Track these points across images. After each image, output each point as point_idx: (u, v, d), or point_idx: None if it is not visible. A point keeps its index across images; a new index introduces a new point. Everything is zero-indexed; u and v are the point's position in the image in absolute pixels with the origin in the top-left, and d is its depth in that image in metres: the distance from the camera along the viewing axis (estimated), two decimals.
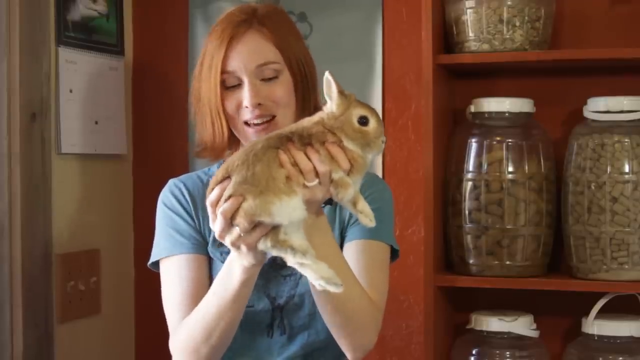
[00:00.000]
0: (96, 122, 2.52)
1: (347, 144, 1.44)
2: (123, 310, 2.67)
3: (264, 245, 1.42)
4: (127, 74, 2.67)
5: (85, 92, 2.47)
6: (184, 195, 1.73)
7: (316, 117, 1.47)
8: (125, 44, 2.65)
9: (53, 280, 2.35)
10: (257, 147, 1.44)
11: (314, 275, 1.42)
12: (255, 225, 1.40)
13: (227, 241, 1.43)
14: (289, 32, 1.70)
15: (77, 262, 2.45)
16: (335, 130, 1.44)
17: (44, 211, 2.31)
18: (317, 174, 1.41)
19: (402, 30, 2.49)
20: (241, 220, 1.39)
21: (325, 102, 1.49)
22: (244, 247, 1.43)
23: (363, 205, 1.44)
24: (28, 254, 2.25)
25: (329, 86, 1.46)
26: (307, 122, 1.47)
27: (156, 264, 1.72)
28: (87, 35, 2.49)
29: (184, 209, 1.72)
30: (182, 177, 1.77)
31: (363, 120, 1.45)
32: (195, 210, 1.71)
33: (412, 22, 2.46)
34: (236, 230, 1.41)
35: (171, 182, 1.77)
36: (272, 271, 1.67)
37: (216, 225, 1.43)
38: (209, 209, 1.44)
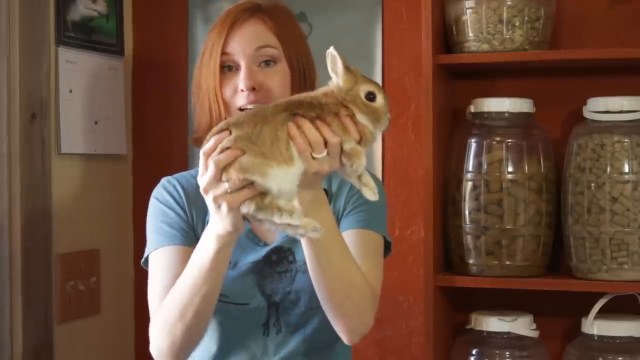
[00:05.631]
0: (96, 122, 2.52)
1: (360, 118, 1.43)
2: (123, 310, 2.67)
3: (248, 208, 1.38)
4: (127, 74, 2.67)
5: (85, 92, 2.47)
6: (177, 191, 1.72)
7: (323, 89, 1.46)
8: (125, 44, 2.65)
9: (53, 281, 2.35)
10: (267, 110, 1.42)
11: (296, 230, 1.39)
12: (244, 185, 1.37)
13: (211, 196, 1.39)
14: (291, 28, 1.71)
15: (77, 262, 2.45)
16: (347, 104, 1.43)
17: (44, 211, 2.31)
18: (325, 146, 1.40)
19: (401, 30, 2.49)
20: (233, 174, 1.36)
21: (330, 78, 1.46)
22: (225, 207, 1.39)
23: (368, 179, 1.44)
24: (28, 254, 2.25)
25: (334, 62, 1.44)
26: (313, 93, 1.45)
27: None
28: (86, 35, 2.49)
29: (177, 202, 1.71)
30: (176, 175, 1.77)
31: (371, 96, 1.44)
32: (188, 205, 1.70)
33: (411, 22, 2.46)
34: (224, 186, 1.37)
35: (164, 179, 1.76)
36: (267, 268, 1.66)
37: (205, 176, 1.39)
38: (201, 159, 1.40)
